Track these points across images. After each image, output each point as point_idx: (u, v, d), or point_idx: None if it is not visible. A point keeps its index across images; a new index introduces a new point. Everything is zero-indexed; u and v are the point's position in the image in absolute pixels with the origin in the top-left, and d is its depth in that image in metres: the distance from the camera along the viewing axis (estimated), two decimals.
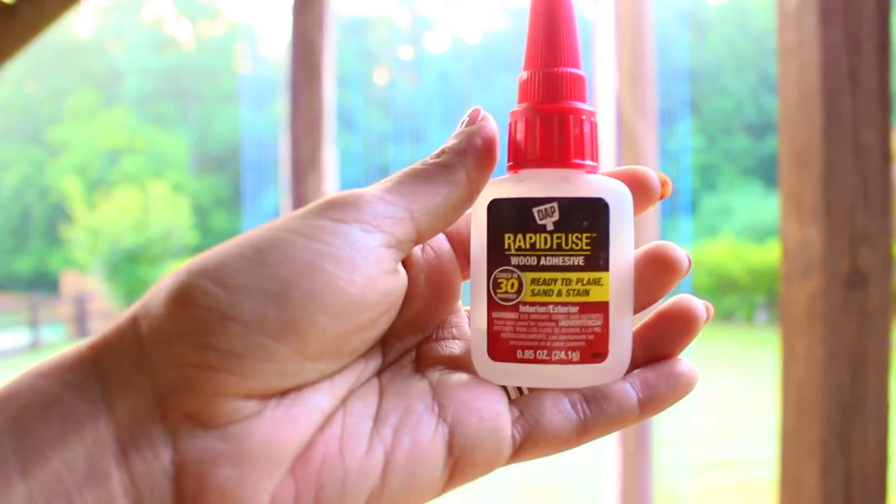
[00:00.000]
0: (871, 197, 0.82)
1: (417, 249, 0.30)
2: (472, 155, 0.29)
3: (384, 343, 0.30)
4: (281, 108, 1.72)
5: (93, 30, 18.54)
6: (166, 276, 0.25)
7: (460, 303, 0.33)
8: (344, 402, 0.27)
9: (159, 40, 18.49)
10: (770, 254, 9.19)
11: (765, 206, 13.30)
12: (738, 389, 5.47)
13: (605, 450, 1.84)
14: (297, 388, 0.25)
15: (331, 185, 1.62)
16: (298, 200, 1.59)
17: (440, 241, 0.31)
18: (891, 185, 0.84)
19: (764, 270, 9.44)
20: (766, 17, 15.30)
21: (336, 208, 0.26)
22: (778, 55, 0.88)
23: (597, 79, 1.91)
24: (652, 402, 0.30)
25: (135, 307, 0.25)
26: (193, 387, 0.23)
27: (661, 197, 0.32)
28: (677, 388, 0.30)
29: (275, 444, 0.24)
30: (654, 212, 1.82)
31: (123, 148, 15.69)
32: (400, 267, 0.28)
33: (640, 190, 0.31)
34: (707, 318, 0.31)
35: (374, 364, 0.29)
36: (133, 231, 9.84)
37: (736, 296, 10.14)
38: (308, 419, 0.25)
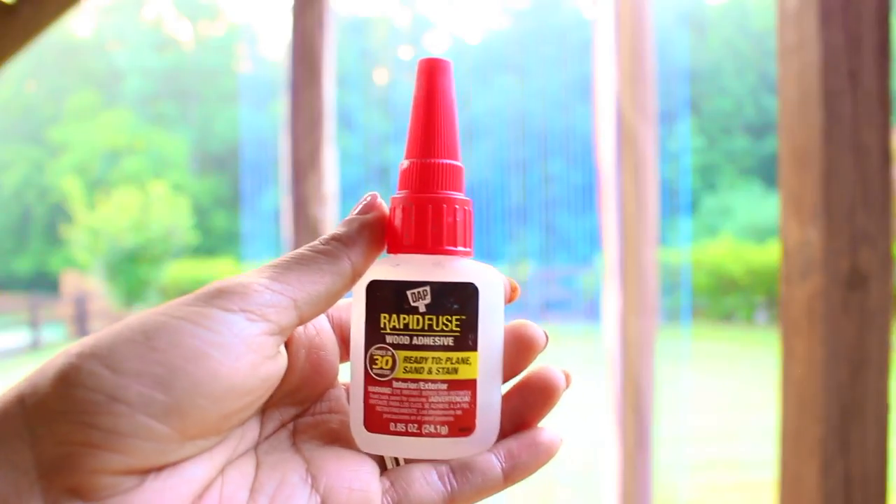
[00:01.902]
0: (871, 197, 0.82)
1: (300, 327, 0.32)
2: (359, 246, 0.31)
3: (263, 413, 0.32)
4: (281, 108, 1.72)
5: (93, 30, 18.53)
6: (54, 357, 0.26)
7: (339, 378, 0.35)
8: (222, 471, 0.28)
9: (159, 40, 18.48)
10: (770, 254, 9.19)
11: (765, 206, 13.30)
12: (738, 389, 5.47)
13: (605, 450, 1.84)
14: (176, 463, 0.26)
15: (331, 185, 1.62)
16: (298, 200, 1.59)
17: (321, 320, 0.33)
18: (891, 185, 0.84)
19: (764, 270, 9.44)
20: (766, 17, 15.31)
21: (223, 297, 0.27)
22: (778, 55, 0.88)
23: (597, 79, 1.91)
24: (515, 472, 0.32)
25: (20, 385, 0.26)
26: (76, 464, 0.24)
27: (509, 301, 0.34)
28: (539, 457, 0.32)
29: None
30: (654, 212, 1.81)
31: (123, 148, 15.68)
32: (281, 349, 0.30)
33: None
34: (566, 387, 0.33)
35: (251, 435, 0.31)
36: (133, 231, 9.83)
37: (736, 296, 10.14)
38: (186, 490, 0.26)
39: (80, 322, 9.80)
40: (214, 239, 15.15)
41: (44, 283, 14.80)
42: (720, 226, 13.67)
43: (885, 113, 0.83)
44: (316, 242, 0.31)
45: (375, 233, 0.32)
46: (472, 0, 17.73)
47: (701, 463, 3.46)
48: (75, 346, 0.26)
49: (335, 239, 0.31)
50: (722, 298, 10.23)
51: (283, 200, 1.69)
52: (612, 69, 1.80)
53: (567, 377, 0.33)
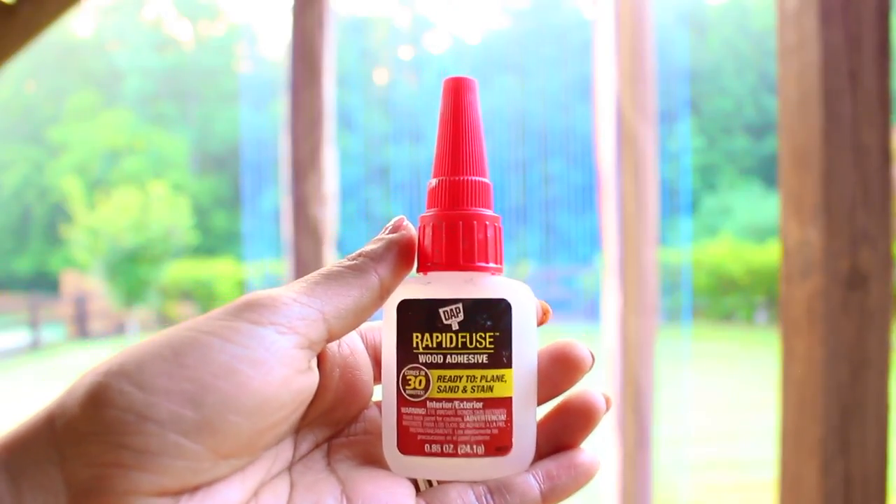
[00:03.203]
0: (871, 197, 0.82)
1: (334, 346, 0.32)
2: (387, 262, 0.31)
3: (297, 433, 0.31)
4: (281, 108, 1.72)
5: (93, 30, 18.53)
6: (83, 376, 0.26)
7: (373, 400, 0.34)
8: (256, 493, 0.28)
9: (159, 40, 18.48)
10: (770, 254, 9.19)
11: (765, 206, 13.30)
12: (738, 389, 5.47)
13: (605, 450, 1.84)
14: (209, 483, 0.26)
15: (331, 185, 1.62)
16: (298, 200, 1.59)
17: (355, 340, 0.33)
18: (891, 185, 0.84)
19: (764, 270, 9.44)
20: (766, 17, 15.30)
21: (252, 310, 0.27)
22: (778, 55, 0.88)
23: (597, 79, 1.91)
24: (554, 493, 0.31)
25: (50, 406, 0.25)
26: (107, 486, 0.24)
27: (541, 323, 0.34)
28: (578, 479, 0.32)
29: None
30: (654, 212, 1.81)
31: (123, 148, 15.68)
32: (313, 364, 0.29)
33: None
34: (606, 410, 0.32)
35: (285, 455, 0.31)
36: (133, 231, 9.82)
37: (736, 296, 10.14)
38: None
39: (80, 322, 9.80)
40: (214, 239, 15.15)
41: (44, 283, 14.80)
42: (720, 226, 13.68)
43: (885, 113, 0.83)
44: (343, 259, 0.31)
45: (403, 250, 0.31)
46: (472, 0, 17.73)
47: (701, 463, 3.46)
48: (103, 364, 0.25)
49: (362, 255, 0.31)
50: (722, 298, 10.23)
51: (283, 200, 1.69)
52: (612, 69, 1.80)
53: (608, 401, 0.33)
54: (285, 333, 0.27)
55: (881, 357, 0.82)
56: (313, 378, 0.29)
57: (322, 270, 0.30)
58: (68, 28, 16.71)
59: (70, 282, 11.84)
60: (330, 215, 1.61)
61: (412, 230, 0.33)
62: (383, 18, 17.86)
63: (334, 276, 0.30)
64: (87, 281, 10.90)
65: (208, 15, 18.88)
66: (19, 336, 8.98)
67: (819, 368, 0.82)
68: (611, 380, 1.81)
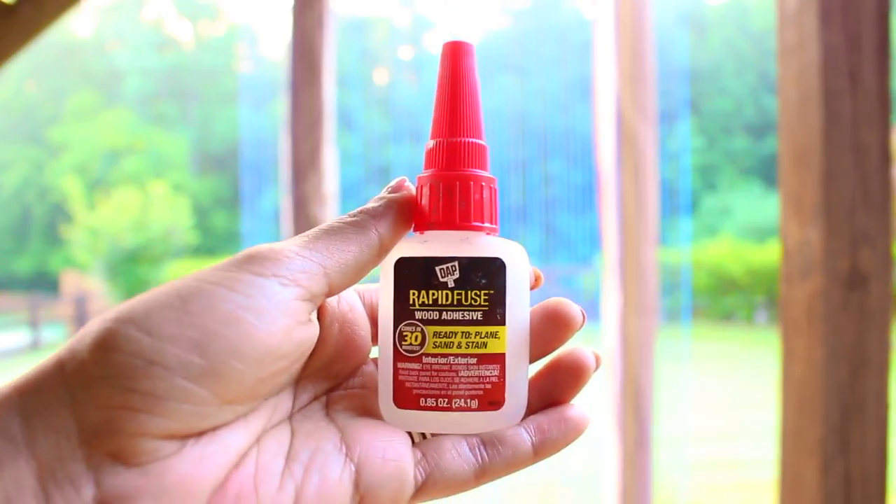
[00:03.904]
0: (871, 197, 0.82)
1: (333, 301, 0.33)
2: (387, 220, 0.32)
3: (296, 386, 0.32)
4: (281, 108, 1.72)
5: (93, 30, 18.53)
6: (91, 322, 0.26)
7: (370, 356, 0.35)
8: (258, 440, 0.29)
9: (159, 40, 18.48)
10: (770, 254, 9.19)
11: (765, 206, 13.30)
12: (738, 389, 5.47)
13: (605, 449, 1.84)
14: (214, 429, 0.27)
15: (331, 185, 1.62)
16: (298, 200, 1.59)
17: (353, 299, 0.34)
18: (891, 185, 0.84)
19: (764, 270, 9.44)
20: (766, 17, 15.30)
21: (256, 262, 0.28)
22: (778, 55, 0.88)
23: (597, 79, 1.91)
24: (545, 446, 0.32)
25: (59, 352, 0.26)
26: (117, 427, 0.25)
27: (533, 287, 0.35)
28: (568, 433, 0.33)
29: (192, 481, 0.26)
30: (654, 212, 1.81)
31: (123, 148, 15.68)
32: (313, 317, 0.30)
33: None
34: (596, 368, 0.33)
35: (285, 406, 0.32)
36: (133, 231, 9.83)
37: (736, 296, 10.14)
38: (224, 457, 0.27)
39: (80, 322, 9.80)
40: (214, 239, 15.15)
41: (44, 283, 14.80)
42: (720, 226, 13.68)
43: (885, 113, 0.83)
44: (344, 215, 0.32)
45: (403, 210, 0.33)
46: (472, 0, 17.73)
47: (701, 463, 3.46)
48: (111, 311, 0.26)
49: (363, 212, 0.32)
50: (722, 298, 10.23)
51: (283, 200, 1.69)
52: (612, 69, 1.80)
53: (597, 358, 0.34)
54: (287, 285, 0.28)
55: (881, 357, 0.82)
56: (314, 330, 0.30)
57: (323, 226, 0.31)
58: (68, 28, 16.71)
59: (70, 282, 11.84)
60: (330, 215, 1.61)
61: (412, 191, 0.33)
62: (383, 18, 17.86)
63: (335, 232, 0.31)
64: (87, 281, 10.91)
65: (208, 15, 18.88)
66: (19, 336, 8.98)
67: (819, 368, 0.82)
68: (611, 380, 1.81)
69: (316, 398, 0.33)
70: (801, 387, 0.84)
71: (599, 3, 1.87)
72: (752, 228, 12.65)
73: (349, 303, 0.33)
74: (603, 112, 1.86)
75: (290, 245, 0.29)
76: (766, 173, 14.63)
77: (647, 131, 1.77)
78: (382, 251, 0.32)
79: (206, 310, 0.26)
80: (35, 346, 8.76)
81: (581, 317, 0.34)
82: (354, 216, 0.32)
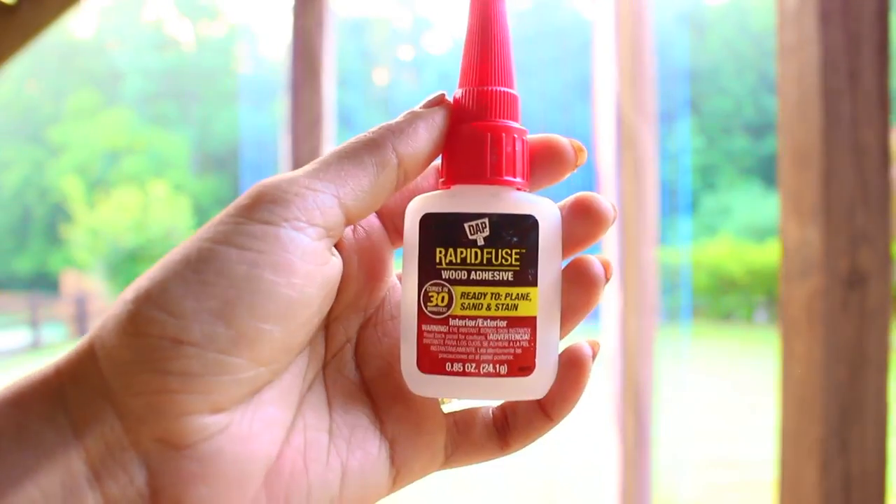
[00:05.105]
0: (871, 197, 0.82)
1: (348, 231, 0.30)
2: (408, 138, 0.29)
3: (327, 329, 0.31)
4: (281, 108, 1.72)
5: (93, 30, 18.54)
6: (113, 305, 0.25)
7: (395, 278, 0.33)
8: (300, 410, 0.28)
9: (159, 40, 18.49)
10: (770, 254, 9.19)
11: (764, 206, 13.30)
12: (738, 389, 5.47)
13: (605, 448, 1.84)
14: (258, 390, 0.26)
15: None
16: None
17: (370, 219, 0.32)
18: (890, 185, 0.84)
19: (763, 270, 9.45)
20: (766, 17, 15.30)
21: (263, 207, 0.26)
22: (778, 55, 0.88)
23: (597, 79, 1.91)
24: (559, 408, 0.31)
25: (91, 335, 0.25)
26: (159, 412, 0.24)
27: (576, 165, 0.32)
28: (579, 385, 0.31)
29: (245, 460, 0.25)
30: (654, 212, 1.82)
31: (123, 148, 15.69)
32: (334, 250, 0.28)
33: (555, 156, 0.32)
34: (607, 280, 0.31)
35: (318, 357, 0.30)
36: (133, 231, 9.83)
37: (736, 295, 10.15)
38: (272, 434, 0.26)
39: (80, 322, 9.80)
40: None
41: (44, 283, 14.80)
42: (720, 226, 13.68)
43: (885, 113, 0.83)
44: (365, 132, 0.29)
45: (431, 129, 0.29)
46: None
47: (701, 462, 3.46)
48: (130, 289, 0.25)
49: (383, 127, 0.29)
50: (722, 298, 10.24)
51: None
52: (611, 69, 1.80)
53: (607, 268, 0.31)
54: (302, 229, 0.26)
55: (880, 357, 0.82)
56: (337, 266, 0.28)
57: (338, 148, 0.28)
58: (68, 28, 16.71)
59: (70, 282, 11.85)
60: None
61: (447, 109, 0.30)
62: (383, 19, 17.86)
63: (348, 155, 0.28)
64: (87, 281, 10.91)
65: (208, 15, 18.89)
66: (19, 336, 8.98)
67: (818, 368, 0.82)
68: (611, 379, 1.81)
69: (348, 341, 0.31)
70: (801, 386, 0.84)
71: (599, 3, 1.87)
72: (752, 228, 12.65)
73: (366, 228, 0.31)
74: (603, 112, 1.86)
75: (300, 176, 0.27)
76: (766, 173, 14.63)
77: (646, 131, 1.78)
78: (402, 175, 0.29)
79: (221, 275, 0.24)
80: (35, 345, 8.76)
81: (613, 211, 0.31)
82: (374, 132, 0.29)
